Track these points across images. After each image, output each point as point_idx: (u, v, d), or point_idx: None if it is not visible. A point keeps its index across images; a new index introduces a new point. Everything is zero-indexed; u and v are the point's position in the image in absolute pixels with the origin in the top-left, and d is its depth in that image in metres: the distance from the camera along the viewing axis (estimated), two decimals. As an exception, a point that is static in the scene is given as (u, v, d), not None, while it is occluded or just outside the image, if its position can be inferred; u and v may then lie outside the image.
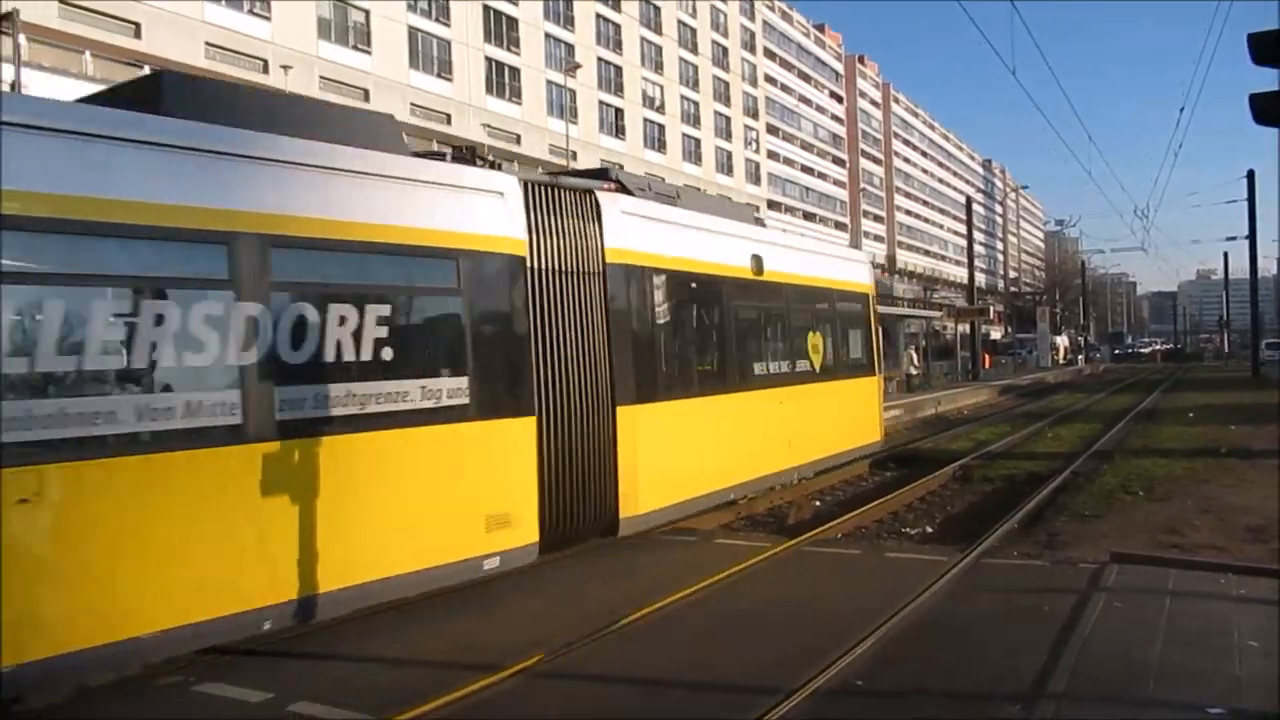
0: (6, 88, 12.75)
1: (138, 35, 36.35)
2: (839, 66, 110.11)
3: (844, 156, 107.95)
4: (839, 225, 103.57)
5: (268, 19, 41.29)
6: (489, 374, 7.79)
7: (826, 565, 9.13)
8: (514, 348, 8.06)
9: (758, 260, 11.84)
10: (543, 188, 8.64)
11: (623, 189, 9.76)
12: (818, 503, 13.57)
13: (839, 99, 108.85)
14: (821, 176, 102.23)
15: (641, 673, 6.12)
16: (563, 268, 8.62)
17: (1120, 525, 10.92)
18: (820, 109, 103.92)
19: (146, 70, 34.08)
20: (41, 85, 26.06)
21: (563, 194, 8.81)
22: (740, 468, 11.22)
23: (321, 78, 42.79)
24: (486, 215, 7.97)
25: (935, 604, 7.50)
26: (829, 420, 13.65)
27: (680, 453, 9.88)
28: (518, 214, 8.22)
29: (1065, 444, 20.07)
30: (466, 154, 8.98)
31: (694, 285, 10.66)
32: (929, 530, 11.86)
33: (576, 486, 8.59)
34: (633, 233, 9.43)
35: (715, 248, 11.00)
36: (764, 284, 12.02)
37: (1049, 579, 8.22)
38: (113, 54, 33.85)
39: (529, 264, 8.24)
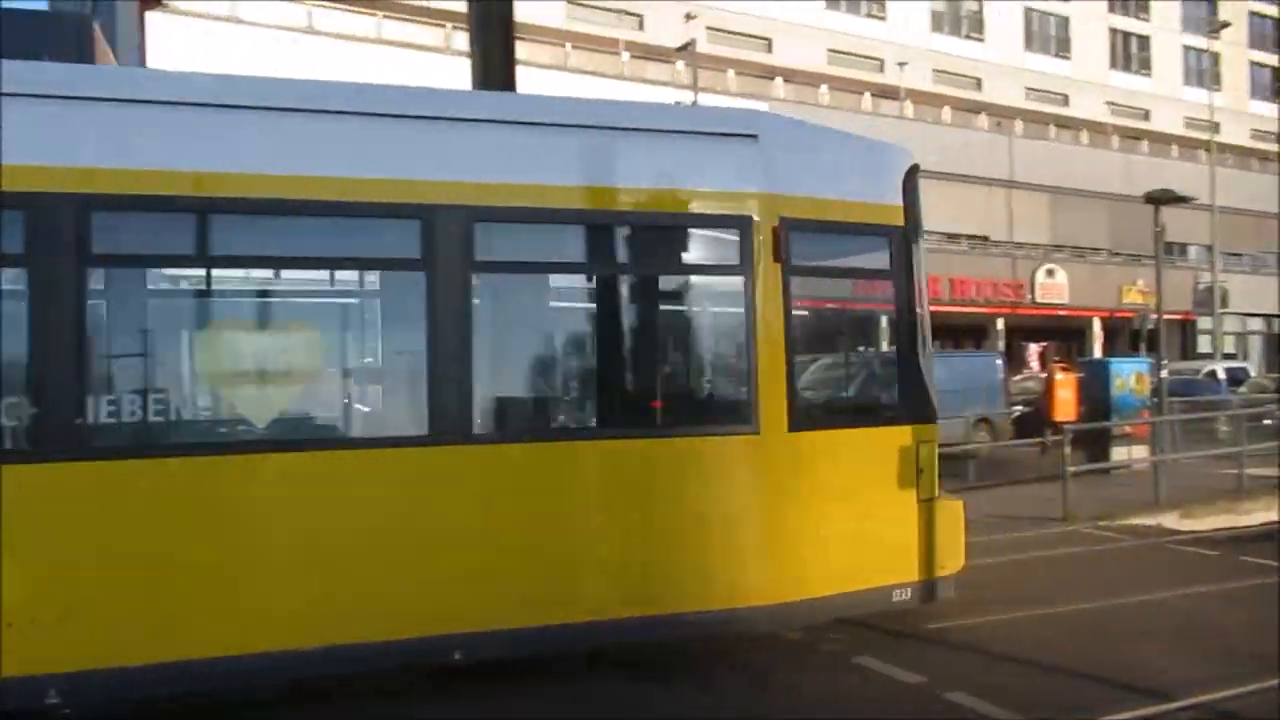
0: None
1: (769, 50, 39.81)
2: None
3: None
4: None
5: (883, 19, 42.55)
6: None
7: None
8: None
9: None
10: None
11: None
12: None
13: None
14: None
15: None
16: None
17: None
18: None
19: (778, 81, 37.24)
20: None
21: None
22: None
23: (935, 70, 43.03)
24: None
25: None
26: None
27: None
28: None
29: None
30: None
31: None
32: None
33: None
34: None
35: None
36: None
37: None
38: (751, 70, 37.50)
39: None
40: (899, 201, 6.83)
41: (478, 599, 5.55)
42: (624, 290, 6.52)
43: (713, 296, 6.87)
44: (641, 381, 6.48)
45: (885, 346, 7.26)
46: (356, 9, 29.47)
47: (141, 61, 22.25)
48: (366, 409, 6.38)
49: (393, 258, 5.89)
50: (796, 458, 6.25)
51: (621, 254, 6.49)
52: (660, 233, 6.36)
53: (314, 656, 5.25)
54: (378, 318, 6.58)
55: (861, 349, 7.54)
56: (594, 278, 6.57)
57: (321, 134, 5.57)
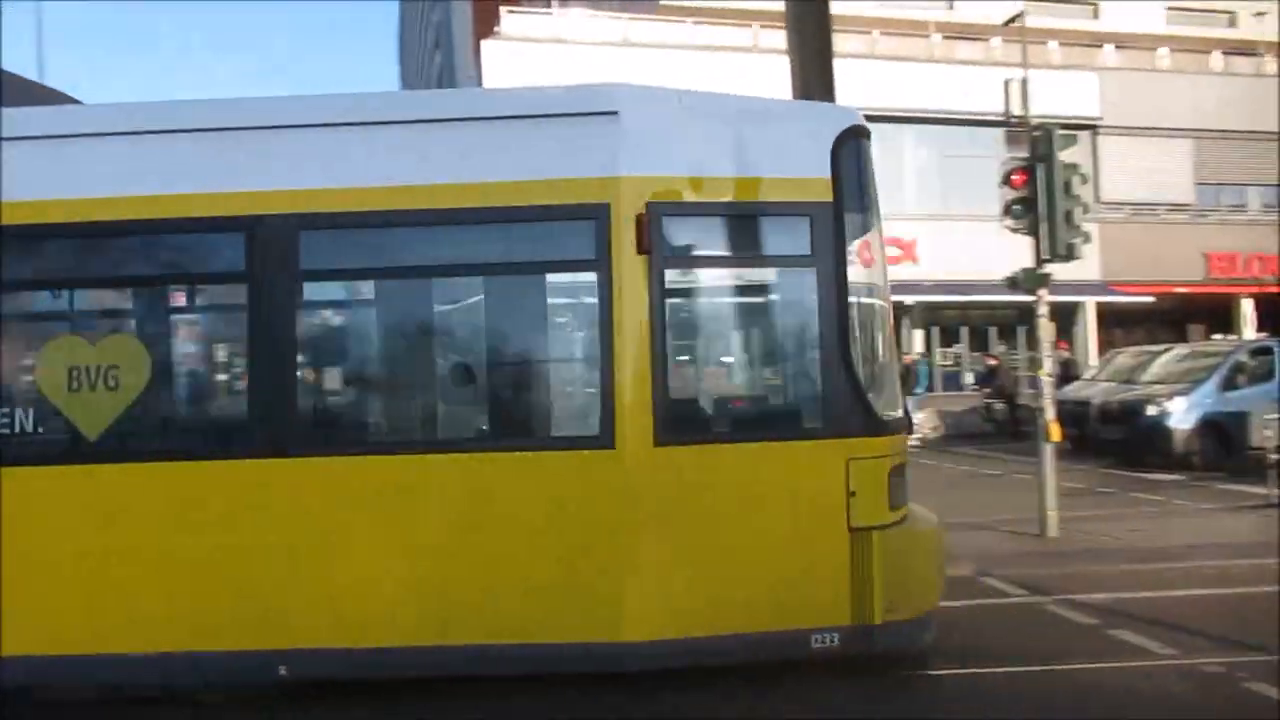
0: (1015, 91, 13.85)
1: (1095, 16, 36.76)
2: None
3: None
4: None
5: (1233, -35, 38.01)
6: None
7: None
8: None
9: None
10: None
11: None
12: None
13: None
14: None
15: None
16: None
17: None
18: None
19: (1107, 49, 34.47)
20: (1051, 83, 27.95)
21: None
22: None
23: (1299, 19, 37.86)
24: None
25: None
26: None
27: None
28: None
29: None
30: None
31: None
32: None
33: None
34: None
35: None
36: None
37: None
38: (1076, 39, 34.89)
39: None
40: (825, 174, 5.74)
41: (301, 615, 5.40)
42: (455, 294, 6.14)
43: (565, 295, 6.16)
44: (470, 391, 5.97)
45: (805, 345, 5.98)
46: (668, 18, 30.45)
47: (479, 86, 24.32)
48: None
49: (219, 271, 5.82)
50: (664, 477, 5.46)
51: (453, 255, 5.91)
52: (499, 230, 5.69)
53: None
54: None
55: (769, 350, 6.38)
56: (423, 282, 6.07)
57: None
